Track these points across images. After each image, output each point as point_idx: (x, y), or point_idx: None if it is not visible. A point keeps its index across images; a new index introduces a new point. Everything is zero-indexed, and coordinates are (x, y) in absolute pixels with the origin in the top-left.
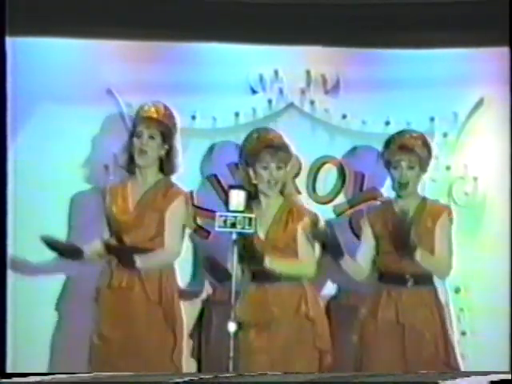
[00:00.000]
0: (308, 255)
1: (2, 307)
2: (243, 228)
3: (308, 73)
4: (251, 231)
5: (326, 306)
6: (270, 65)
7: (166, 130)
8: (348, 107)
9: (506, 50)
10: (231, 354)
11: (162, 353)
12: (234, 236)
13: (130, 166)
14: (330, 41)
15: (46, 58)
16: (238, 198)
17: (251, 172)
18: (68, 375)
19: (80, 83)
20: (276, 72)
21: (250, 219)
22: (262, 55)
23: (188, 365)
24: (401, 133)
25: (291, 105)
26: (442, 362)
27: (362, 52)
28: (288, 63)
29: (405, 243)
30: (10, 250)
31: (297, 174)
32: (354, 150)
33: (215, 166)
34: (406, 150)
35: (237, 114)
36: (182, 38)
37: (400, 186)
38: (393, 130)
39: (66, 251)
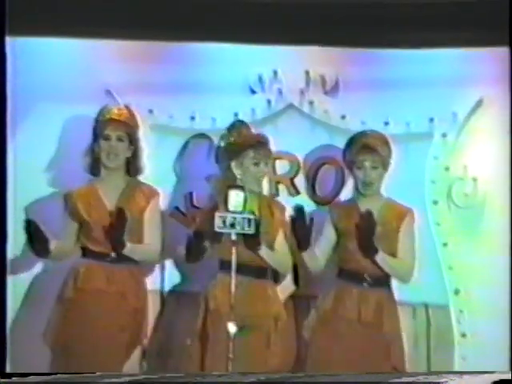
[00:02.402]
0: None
1: (1, 307)
2: (242, 229)
3: (307, 73)
4: (250, 232)
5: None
6: (269, 65)
7: (131, 132)
8: (347, 108)
9: (506, 50)
10: (231, 356)
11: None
12: (234, 237)
13: (96, 169)
14: (329, 41)
15: (46, 58)
16: (237, 198)
17: (234, 166)
18: (68, 375)
19: (79, 83)
20: (275, 72)
21: (250, 220)
22: (261, 55)
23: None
24: (362, 133)
25: (290, 105)
26: (392, 364)
27: (362, 52)
28: (287, 64)
29: (368, 243)
30: (10, 251)
31: (295, 175)
32: None
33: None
34: (369, 149)
35: (236, 115)
36: (182, 38)
37: (364, 186)
38: (392, 130)
39: (37, 240)
